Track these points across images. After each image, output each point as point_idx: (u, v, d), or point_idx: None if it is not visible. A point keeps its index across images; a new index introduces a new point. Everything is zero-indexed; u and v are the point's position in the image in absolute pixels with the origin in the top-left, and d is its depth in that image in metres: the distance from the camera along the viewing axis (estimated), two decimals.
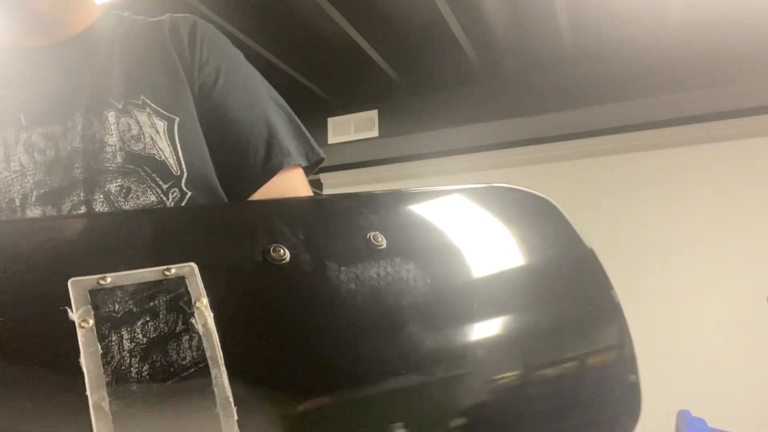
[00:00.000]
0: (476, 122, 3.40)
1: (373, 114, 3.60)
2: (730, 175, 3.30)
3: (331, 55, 3.13)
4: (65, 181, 0.70)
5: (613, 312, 0.63)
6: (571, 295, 0.64)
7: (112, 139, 0.71)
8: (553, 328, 0.61)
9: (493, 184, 0.71)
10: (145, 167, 0.71)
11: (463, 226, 0.64)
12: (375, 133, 3.58)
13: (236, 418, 0.41)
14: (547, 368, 0.59)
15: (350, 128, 3.63)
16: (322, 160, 0.84)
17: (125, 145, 0.71)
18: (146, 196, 0.71)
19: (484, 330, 0.57)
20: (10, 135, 0.72)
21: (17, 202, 0.69)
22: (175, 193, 0.72)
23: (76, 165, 0.70)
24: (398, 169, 4.01)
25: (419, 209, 0.65)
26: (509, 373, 0.56)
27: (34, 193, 0.69)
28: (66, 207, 0.69)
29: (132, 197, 0.70)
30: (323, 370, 0.48)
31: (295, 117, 0.85)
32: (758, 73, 2.87)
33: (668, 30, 2.86)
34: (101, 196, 0.69)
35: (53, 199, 0.69)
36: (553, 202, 0.70)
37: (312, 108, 3.59)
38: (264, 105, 0.81)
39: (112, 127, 0.72)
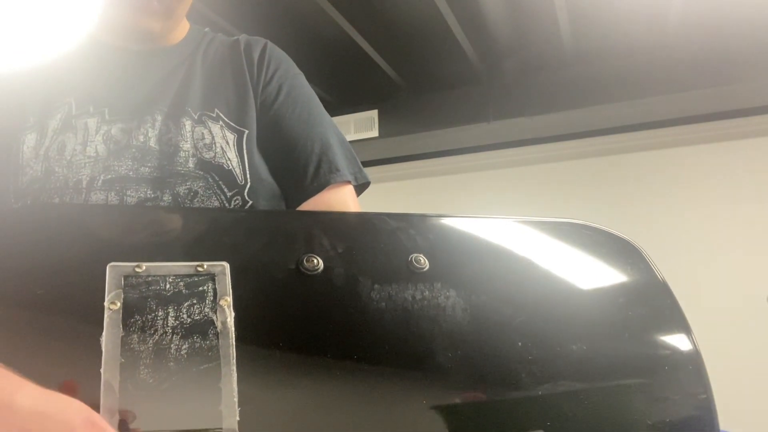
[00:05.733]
0: (476, 122, 3.40)
1: (373, 114, 3.60)
2: (730, 175, 3.30)
3: (331, 55, 3.13)
4: (131, 171, 0.74)
5: (694, 357, 0.59)
6: (642, 339, 0.59)
7: (186, 145, 0.76)
8: (618, 375, 0.55)
9: (565, 220, 0.67)
10: (214, 174, 0.76)
11: (520, 259, 0.61)
12: (375, 133, 3.58)
13: (237, 418, 0.42)
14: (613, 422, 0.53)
15: (350, 128, 3.63)
16: (369, 184, 0.88)
17: (197, 152, 0.76)
18: (210, 201, 0.75)
19: (529, 371, 0.52)
20: (92, 124, 0.76)
21: (84, 183, 0.72)
22: (237, 201, 0.77)
23: (148, 163, 0.74)
24: (398, 169, 4.01)
25: (474, 237, 0.62)
26: (561, 420, 0.50)
27: (101, 178, 0.73)
28: (131, 198, 0.72)
29: (198, 201, 0.75)
30: (336, 385, 0.47)
31: (347, 142, 0.90)
32: (758, 73, 2.87)
33: (668, 30, 2.86)
34: (170, 197, 0.73)
35: (118, 185, 0.73)
36: (634, 242, 0.65)
37: None
38: (321, 123, 0.86)
39: (188, 135, 0.77)
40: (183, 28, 0.88)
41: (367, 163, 4.48)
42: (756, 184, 3.24)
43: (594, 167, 3.60)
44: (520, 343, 0.53)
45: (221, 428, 0.41)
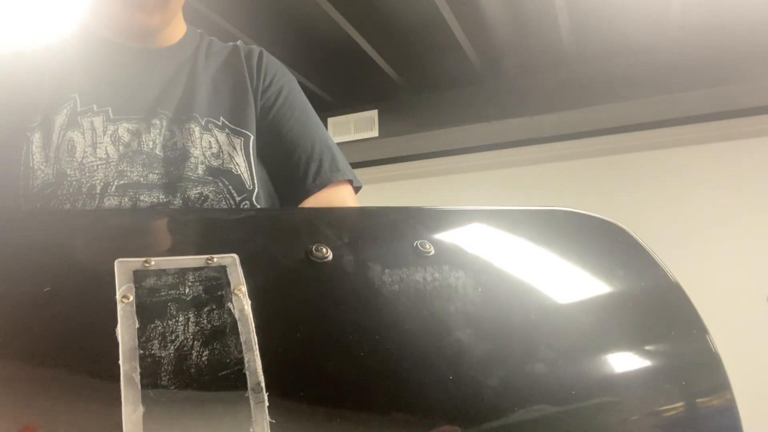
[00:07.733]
0: (476, 122, 3.39)
1: (373, 114, 3.60)
2: (730, 175, 3.30)
3: (331, 55, 3.13)
4: (142, 177, 0.74)
5: (712, 356, 0.60)
6: (654, 324, 0.61)
7: (196, 152, 0.77)
8: (637, 359, 0.57)
9: (557, 208, 0.69)
10: (223, 179, 0.77)
11: (519, 245, 0.63)
12: (375, 133, 3.58)
13: (267, 403, 0.41)
14: (631, 408, 0.54)
15: (350, 128, 3.62)
16: (360, 188, 0.91)
17: (206, 160, 0.78)
18: (220, 206, 0.76)
19: (544, 345, 0.54)
20: (99, 123, 0.77)
21: (98, 189, 0.73)
22: (245, 206, 0.78)
23: (156, 170, 0.75)
24: (398, 169, 4.01)
25: (471, 225, 0.65)
26: (578, 404, 0.51)
27: (115, 183, 0.73)
28: (143, 202, 0.73)
29: (207, 205, 0.76)
30: (359, 366, 0.47)
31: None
32: (758, 73, 2.87)
33: (668, 30, 2.86)
34: (181, 201, 0.74)
35: (131, 191, 0.73)
36: (626, 228, 0.68)
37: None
38: (318, 126, 0.90)
39: (197, 142, 0.78)
40: (180, 27, 0.88)
41: (367, 163, 4.47)
42: (756, 184, 3.24)
43: (594, 167, 3.60)
44: (533, 317, 0.55)
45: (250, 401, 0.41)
